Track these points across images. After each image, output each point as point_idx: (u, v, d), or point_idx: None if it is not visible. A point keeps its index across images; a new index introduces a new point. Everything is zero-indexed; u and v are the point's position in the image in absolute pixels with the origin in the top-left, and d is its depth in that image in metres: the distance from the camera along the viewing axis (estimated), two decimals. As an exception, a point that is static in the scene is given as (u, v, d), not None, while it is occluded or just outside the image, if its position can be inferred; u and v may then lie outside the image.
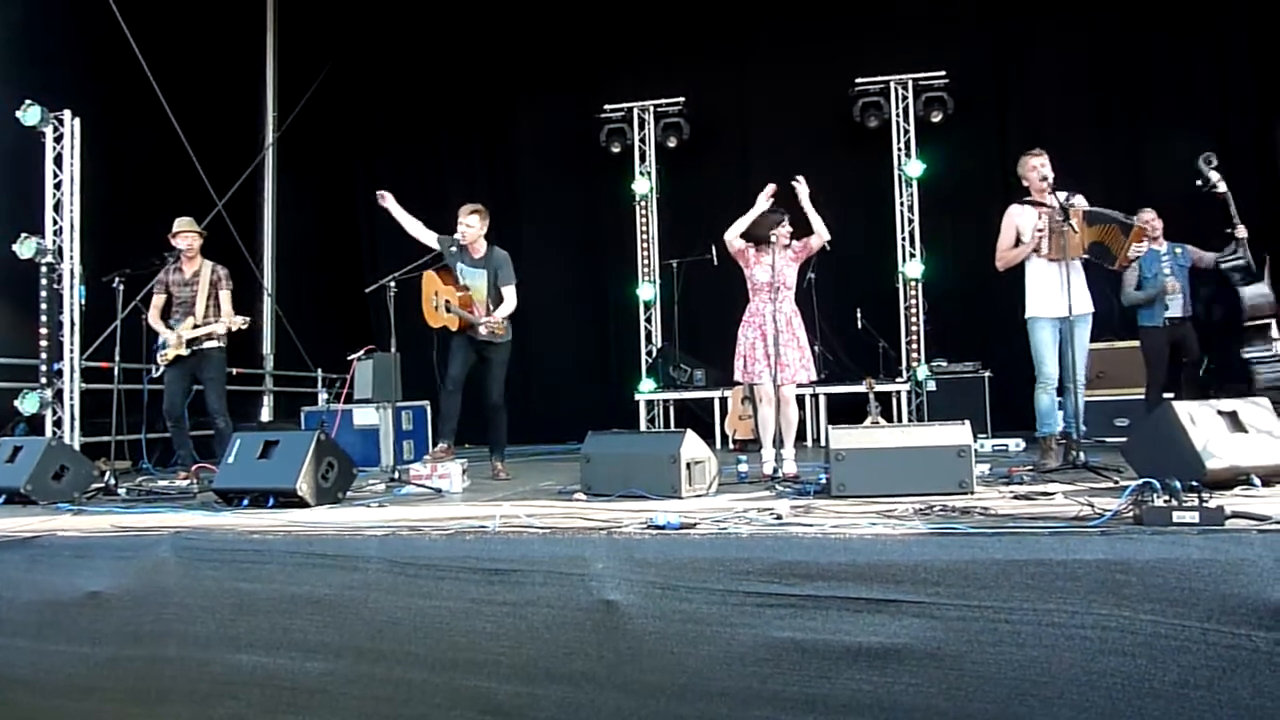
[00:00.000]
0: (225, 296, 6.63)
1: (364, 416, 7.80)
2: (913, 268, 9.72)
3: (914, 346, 9.67)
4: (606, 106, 10.67)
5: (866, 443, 4.34)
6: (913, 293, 9.75)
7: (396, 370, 6.46)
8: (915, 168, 9.77)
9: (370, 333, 10.03)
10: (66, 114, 7.52)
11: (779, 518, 3.58)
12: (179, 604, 3.58)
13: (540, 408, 10.60)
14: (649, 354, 10.65)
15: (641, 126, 10.70)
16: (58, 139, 7.53)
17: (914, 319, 9.72)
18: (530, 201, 11.44)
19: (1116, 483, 4.37)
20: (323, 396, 9.35)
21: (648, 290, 10.69)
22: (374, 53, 11.78)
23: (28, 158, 7.61)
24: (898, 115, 9.86)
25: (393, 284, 5.91)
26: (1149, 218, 6.61)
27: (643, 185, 10.68)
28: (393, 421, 7.63)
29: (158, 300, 6.73)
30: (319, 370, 10.53)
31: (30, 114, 7.35)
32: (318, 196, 11.86)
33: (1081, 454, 5.11)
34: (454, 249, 6.20)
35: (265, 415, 10.41)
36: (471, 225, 6.18)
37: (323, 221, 11.93)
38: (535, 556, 3.30)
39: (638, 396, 10.14)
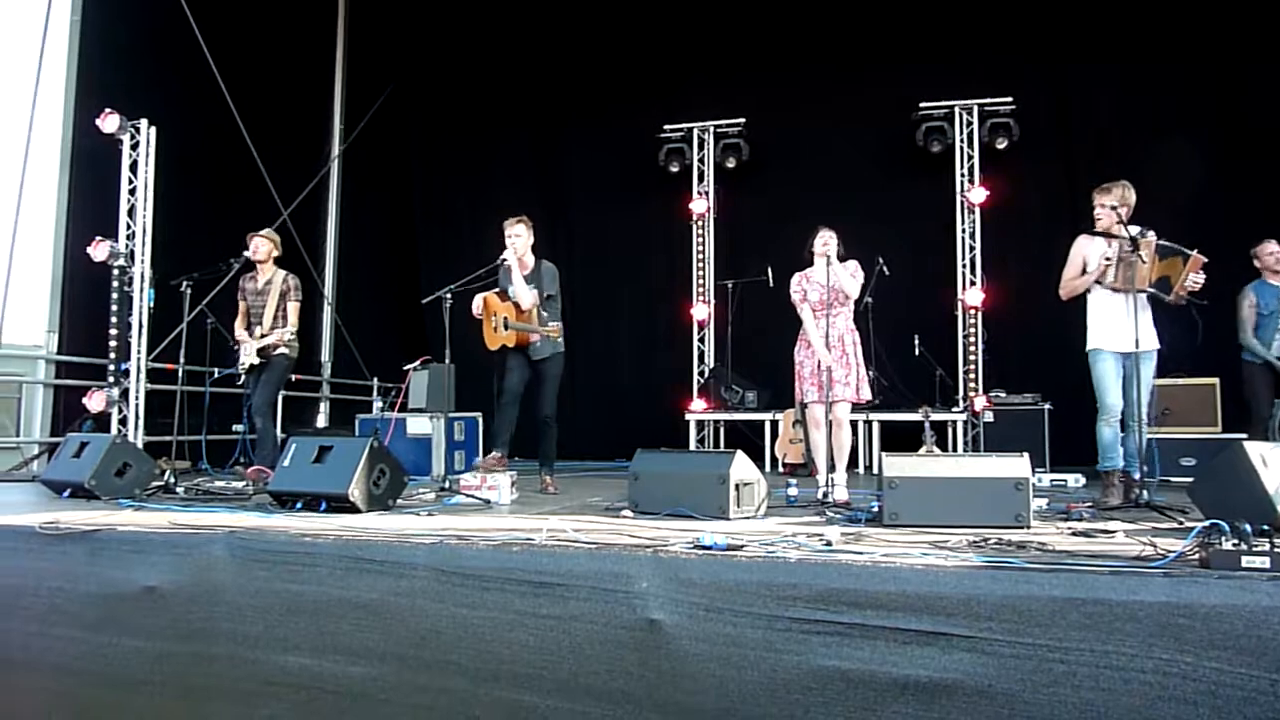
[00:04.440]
0: (293, 308, 6.76)
1: (417, 426, 7.89)
2: (973, 295, 9.56)
3: (972, 376, 9.50)
4: (666, 126, 10.72)
5: (921, 471, 4.27)
6: (972, 321, 9.59)
7: (450, 381, 6.52)
8: (979, 194, 9.62)
9: (426, 343, 10.17)
10: (143, 123, 7.76)
11: (828, 544, 3.53)
12: (230, 602, 3.64)
13: (590, 424, 10.62)
14: (701, 374, 10.62)
15: (701, 147, 10.72)
16: (134, 146, 7.77)
17: (972, 348, 9.55)
18: (585, 220, 11.53)
19: (1181, 523, 4.23)
20: (378, 405, 9.48)
21: (701, 310, 10.68)
22: (436, 72, 12.02)
23: (105, 164, 7.88)
24: (962, 141, 9.74)
25: (449, 296, 5.97)
26: (1273, 248, 6.51)
27: (700, 205, 10.69)
28: (445, 432, 7.70)
29: (241, 307, 6.91)
30: (375, 379, 10.69)
31: (109, 122, 7.59)
32: (378, 209, 12.10)
33: (1145, 492, 4.96)
34: (504, 266, 6.27)
35: (321, 421, 10.60)
36: (519, 234, 6.24)
37: (382, 233, 12.16)
38: (580, 571, 3.29)
39: (688, 416, 10.11)
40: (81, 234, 7.73)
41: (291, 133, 10.57)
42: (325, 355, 11.05)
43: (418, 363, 7.23)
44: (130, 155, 7.78)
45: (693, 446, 9.91)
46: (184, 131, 8.41)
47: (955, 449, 8.92)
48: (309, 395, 10.65)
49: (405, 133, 12.25)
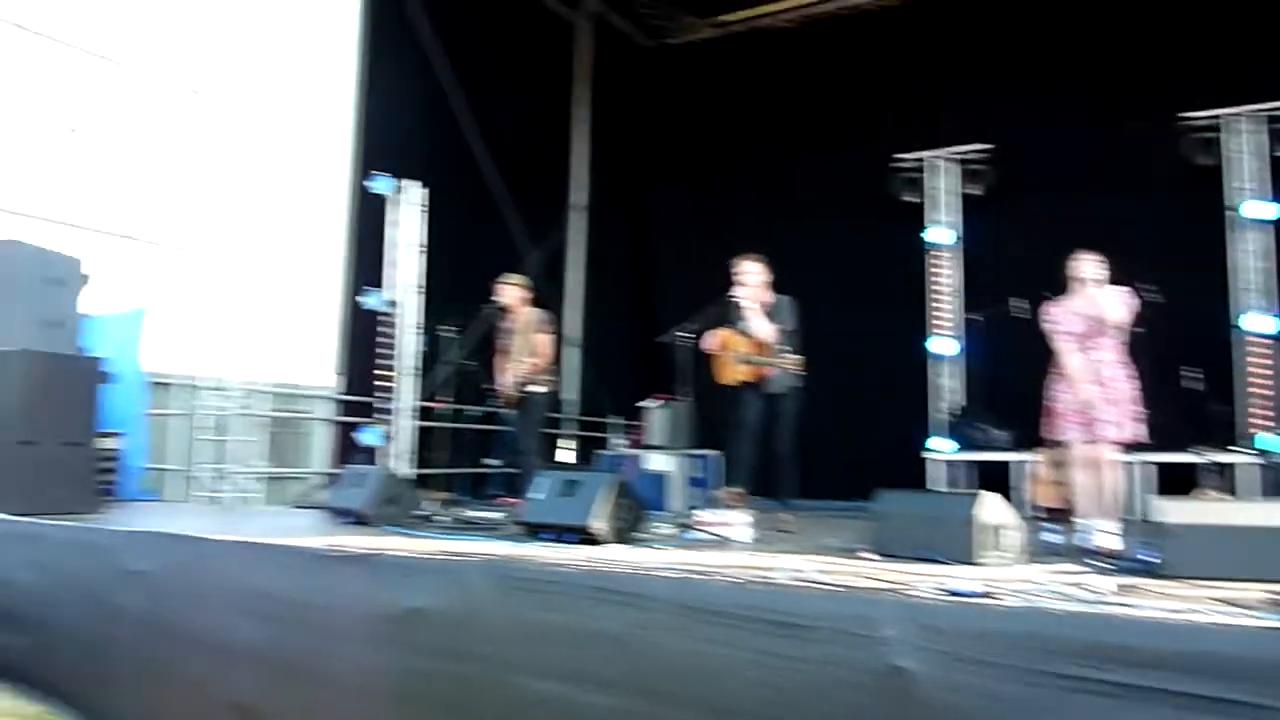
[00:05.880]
0: (544, 340, 7.11)
1: (656, 462, 8.07)
2: (1253, 320, 8.52)
3: (1259, 411, 8.45)
4: (903, 155, 10.45)
5: (1205, 518, 3.83)
6: (1259, 348, 8.55)
7: (688, 418, 6.64)
8: (1266, 209, 8.60)
9: (665, 381, 10.41)
10: (408, 183, 8.55)
11: (1096, 595, 3.24)
12: (488, 627, 3.85)
13: (826, 463, 10.32)
14: (943, 411, 10.14)
15: (942, 174, 10.34)
16: (400, 205, 8.57)
17: (1260, 379, 8.51)
18: (820, 253, 11.38)
19: None
20: (618, 441, 9.78)
21: (942, 344, 10.22)
22: (670, 115, 12.42)
23: (378, 223, 8.75)
24: (1235, 151, 8.80)
25: (684, 334, 6.09)
26: None
27: (939, 234, 10.30)
28: (683, 468, 7.82)
29: (499, 347, 7.38)
30: (614, 416, 11.06)
31: (381, 184, 8.44)
32: (617, 251, 12.62)
33: None
34: (735, 307, 6.31)
35: (567, 458, 11.08)
36: (752, 271, 6.26)
37: (621, 275, 12.65)
38: (822, 613, 3.21)
39: (931, 456, 9.67)
40: (360, 284, 8.62)
41: (538, 185, 11.29)
42: (569, 393, 11.57)
43: (655, 400, 7.41)
44: (401, 213, 8.58)
45: (936, 487, 9.47)
46: (446, 188, 9.19)
47: (1236, 493, 7.95)
48: (553, 432, 11.18)
49: (646, 179, 12.74)
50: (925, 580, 3.51)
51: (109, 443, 7.20)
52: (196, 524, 5.77)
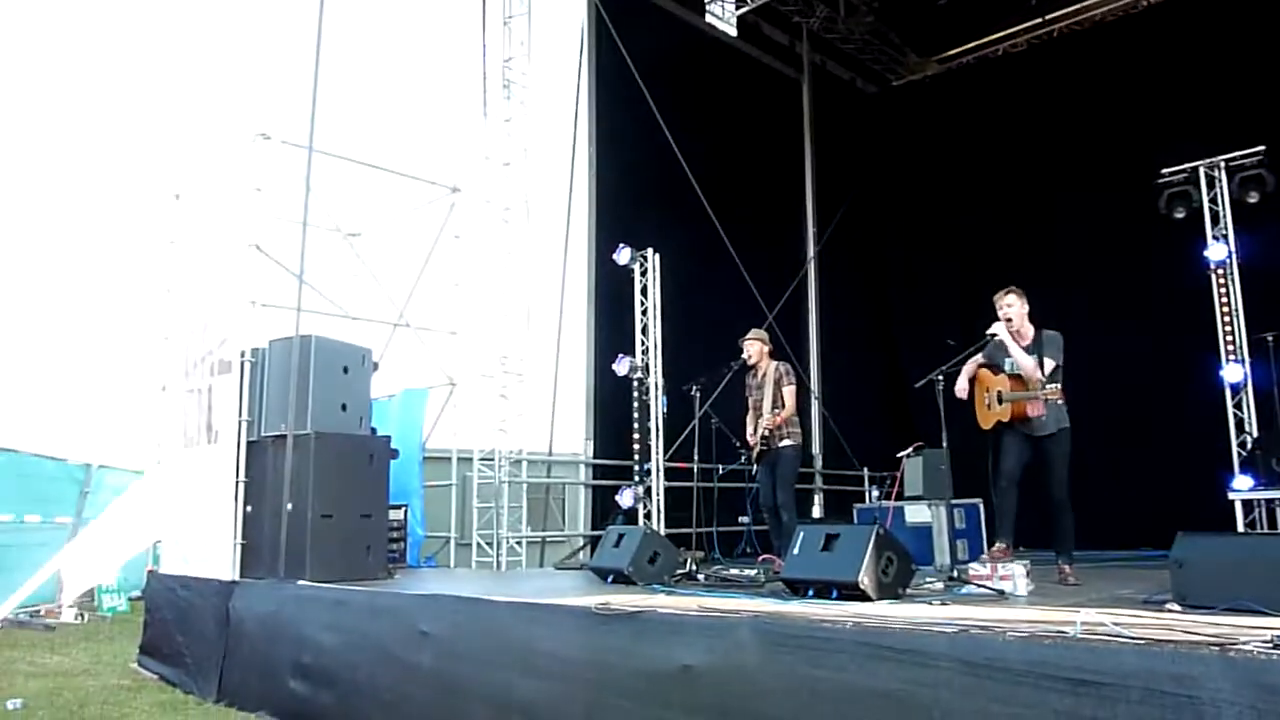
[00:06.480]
0: (788, 392, 7.07)
1: (916, 514, 7.74)
2: None
3: None
4: (1165, 170, 9.60)
5: None
6: None
7: (947, 466, 6.31)
8: None
9: (913, 429, 10.02)
10: (649, 251, 8.87)
11: None
12: (758, 684, 3.81)
13: (1106, 508, 9.49)
14: (1242, 444, 9.04)
15: (1212, 185, 9.39)
16: (643, 273, 8.90)
17: None
18: (1082, 281, 10.64)
19: None
20: (873, 493, 9.49)
21: (1235, 370, 9.15)
22: (898, 157, 12.19)
23: (620, 293, 9.12)
24: None
25: (940, 378, 5.84)
26: None
27: (1219, 250, 9.29)
28: (946, 519, 7.45)
29: (749, 403, 7.42)
30: (865, 468, 10.76)
31: (622, 255, 8.82)
32: (854, 301, 12.42)
33: None
34: (994, 344, 5.97)
35: (816, 512, 10.88)
36: (1011, 304, 5.91)
37: (860, 324, 12.44)
38: (1129, 670, 2.92)
39: (1231, 495, 8.62)
40: (605, 353, 8.99)
41: (770, 243, 11.42)
42: (816, 447, 11.40)
43: (911, 449, 7.14)
44: (640, 280, 8.91)
45: (1240, 529, 8.41)
46: (681, 254, 9.47)
47: None
48: (803, 487, 11.02)
49: (876, 225, 12.55)
50: (1252, 633, 3.10)
51: (396, 514, 7.87)
52: (475, 587, 6.15)
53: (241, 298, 7.08)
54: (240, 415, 6.78)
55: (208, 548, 6.95)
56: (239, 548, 6.65)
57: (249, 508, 6.71)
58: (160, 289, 8.51)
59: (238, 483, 6.71)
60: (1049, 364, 5.77)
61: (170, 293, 8.33)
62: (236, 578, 6.61)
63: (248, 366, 6.87)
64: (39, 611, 9.94)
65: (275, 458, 6.59)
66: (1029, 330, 5.95)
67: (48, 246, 12.09)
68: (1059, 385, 5.70)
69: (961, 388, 6.02)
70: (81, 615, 10.01)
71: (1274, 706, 2.63)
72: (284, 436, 6.51)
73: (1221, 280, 9.25)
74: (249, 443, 6.78)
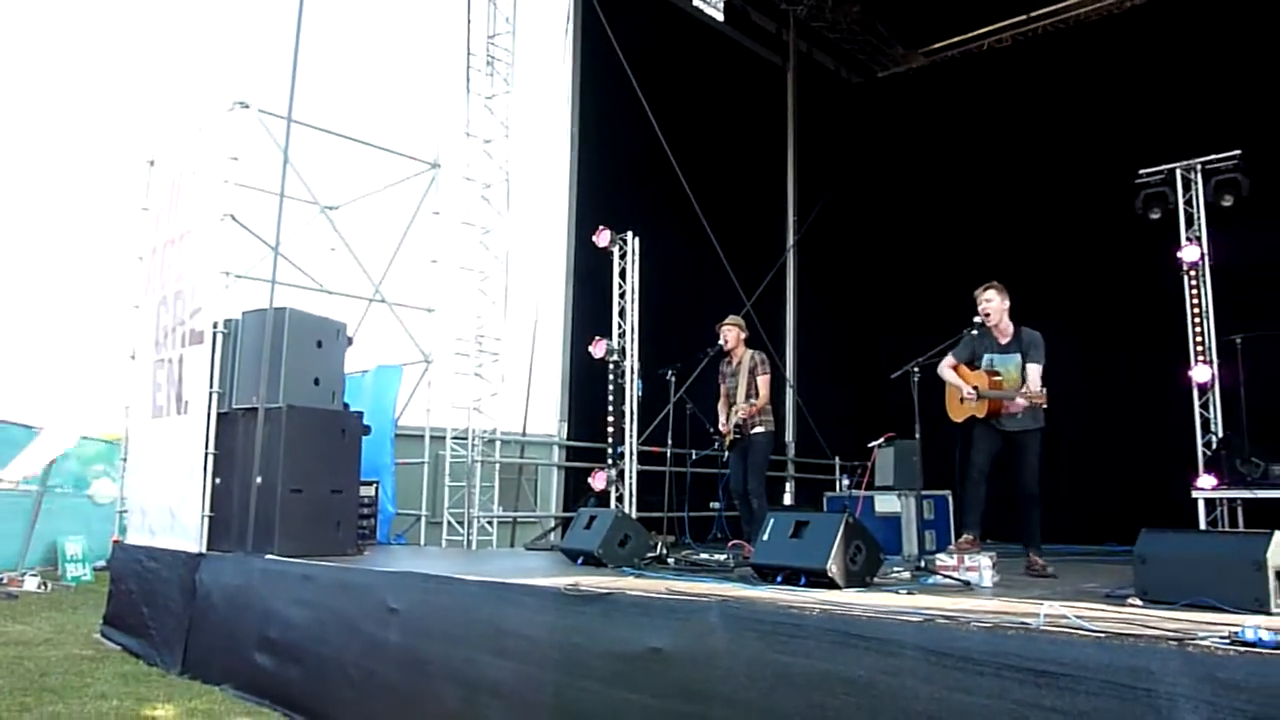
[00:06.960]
0: (762, 381, 7.10)
1: (885, 504, 7.81)
2: None
3: None
4: (1143, 170, 9.68)
5: None
6: None
7: (919, 457, 6.36)
8: None
9: (886, 420, 10.09)
10: (629, 234, 8.84)
11: None
12: (725, 668, 3.83)
13: (1074, 503, 9.65)
14: (1208, 445, 9.17)
15: (1188, 187, 9.48)
16: (622, 256, 8.87)
17: None
18: (1056, 279, 10.74)
19: None
20: (844, 482, 9.56)
21: (1203, 371, 9.26)
22: (881, 151, 12.21)
23: (600, 274, 9.09)
24: None
25: (916, 370, 5.87)
26: None
27: (1191, 252, 9.39)
28: (915, 510, 7.51)
29: (721, 390, 7.45)
30: (836, 457, 10.82)
31: (602, 237, 8.78)
32: (833, 292, 12.46)
33: None
34: (975, 333, 6.00)
35: (787, 499, 10.94)
36: (991, 300, 5.95)
37: (838, 314, 12.47)
38: (1089, 662, 2.96)
39: (1195, 494, 8.75)
40: (582, 335, 8.96)
41: (750, 231, 11.40)
42: (789, 435, 11.45)
43: (882, 439, 7.18)
44: (619, 264, 8.88)
45: (1203, 527, 8.54)
46: (661, 239, 9.44)
47: None
48: (774, 474, 11.07)
49: (857, 215, 12.58)
50: (1210, 629, 3.16)
51: (367, 490, 7.83)
52: (445, 565, 6.13)
53: (215, 268, 6.99)
54: (211, 386, 6.71)
55: (175, 519, 6.89)
56: (207, 520, 6.59)
57: (218, 480, 6.65)
58: (132, 256, 8.39)
59: (207, 454, 6.64)
60: (1034, 370, 5.80)
61: (142, 260, 8.21)
62: (204, 550, 6.56)
63: (220, 338, 6.79)
64: (2, 580, 9.83)
65: (246, 430, 6.53)
66: (1009, 327, 5.99)
67: (17, 209, 11.90)
68: (1044, 390, 5.73)
69: (948, 378, 6.05)
70: (45, 584, 9.91)
71: (1229, 701, 2.68)
72: (255, 409, 6.45)
73: (1193, 282, 9.36)
74: (219, 414, 6.71)
